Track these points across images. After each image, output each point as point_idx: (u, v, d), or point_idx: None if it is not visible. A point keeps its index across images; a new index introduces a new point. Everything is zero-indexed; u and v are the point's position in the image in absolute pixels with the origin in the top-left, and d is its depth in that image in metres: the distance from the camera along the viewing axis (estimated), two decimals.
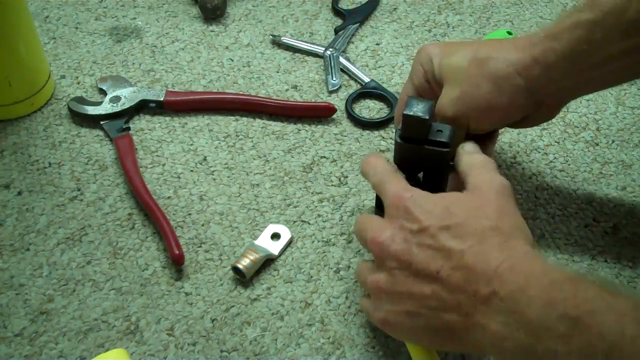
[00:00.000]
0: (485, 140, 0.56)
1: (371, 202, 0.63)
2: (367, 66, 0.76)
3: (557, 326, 0.38)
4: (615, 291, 0.38)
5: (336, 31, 0.79)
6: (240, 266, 0.56)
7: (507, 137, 0.68)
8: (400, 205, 0.47)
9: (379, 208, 0.55)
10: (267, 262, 0.58)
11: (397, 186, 0.49)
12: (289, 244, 0.59)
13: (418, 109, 0.50)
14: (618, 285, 0.48)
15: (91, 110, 0.69)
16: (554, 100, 0.54)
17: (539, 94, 0.52)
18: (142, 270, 0.58)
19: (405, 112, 0.50)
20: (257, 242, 0.58)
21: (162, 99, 0.70)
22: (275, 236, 0.59)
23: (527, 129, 0.69)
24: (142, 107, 0.71)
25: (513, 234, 0.46)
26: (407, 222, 0.46)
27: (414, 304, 0.45)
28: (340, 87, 0.73)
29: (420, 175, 0.55)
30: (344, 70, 0.75)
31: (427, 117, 0.50)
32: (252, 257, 0.57)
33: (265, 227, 0.60)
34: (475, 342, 0.43)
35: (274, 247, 0.59)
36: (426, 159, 0.52)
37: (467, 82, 0.52)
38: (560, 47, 0.49)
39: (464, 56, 0.53)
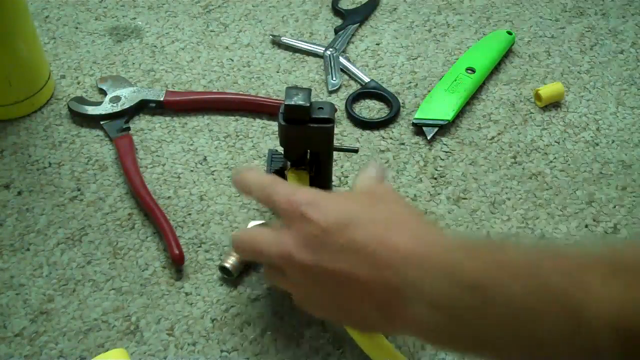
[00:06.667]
0: None
1: None
2: (367, 66, 0.76)
3: (464, 298, 0.37)
4: (507, 249, 0.38)
5: (336, 31, 0.79)
6: (227, 265, 0.56)
7: (507, 137, 0.68)
8: (295, 210, 0.45)
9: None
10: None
11: (286, 192, 0.48)
12: None
13: (298, 98, 0.52)
14: (509, 241, 0.47)
15: (91, 110, 0.69)
16: None
17: None
18: (142, 270, 0.58)
19: (286, 103, 0.52)
20: None
21: (162, 99, 0.70)
22: None
23: (527, 128, 0.69)
24: (142, 107, 0.71)
25: (410, 217, 0.46)
26: (306, 227, 0.44)
27: (337, 303, 0.46)
28: (340, 87, 0.73)
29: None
30: (344, 70, 0.75)
31: (309, 105, 0.52)
32: (237, 255, 0.57)
33: (247, 224, 0.60)
34: (403, 330, 0.44)
35: None
36: (311, 137, 0.54)
37: None
38: None
39: None
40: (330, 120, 0.54)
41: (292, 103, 0.52)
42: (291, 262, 0.45)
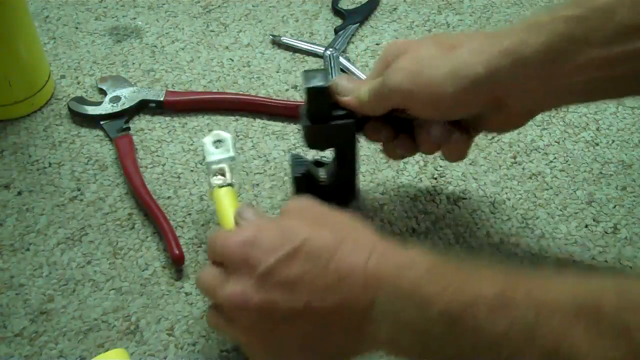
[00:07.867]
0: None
1: (371, 202, 0.63)
2: (367, 66, 0.76)
3: (434, 325, 0.37)
4: (480, 273, 0.38)
5: (336, 31, 0.79)
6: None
7: (507, 137, 0.68)
8: (235, 256, 0.43)
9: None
10: None
11: (220, 241, 0.45)
12: (234, 143, 0.58)
13: (316, 80, 0.52)
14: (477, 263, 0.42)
15: (91, 110, 0.69)
16: (518, 104, 0.48)
17: (501, 90, 0.47)
18: (142, 270, 0.58)
19: (305, 86, 0.52)
20: (209, 159, 0.57)
21: (162, 99, 0.70)
22: (219, 141, 0.58)
23: (527, 128, 0.69)
24: (142, 107, 0.71)
25: (358, 233, 0.43)
26: (253, 269, 0.42)
27: (298, 343, 0.43)
28: None
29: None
30: (344, 70, 0.75)
31: (327, 85, 0.52)
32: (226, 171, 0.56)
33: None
34: (370, 348, 0.43)
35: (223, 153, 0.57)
36: (335, 135, 0.55)
37: (426, 61, 0.49)
38: (536, 41, 0.44)
39: (431, 43, 0.51)
40: (352, 116, 0.54)
41: (312, 85, 0.52)
42: (246, 308, 0.42)
